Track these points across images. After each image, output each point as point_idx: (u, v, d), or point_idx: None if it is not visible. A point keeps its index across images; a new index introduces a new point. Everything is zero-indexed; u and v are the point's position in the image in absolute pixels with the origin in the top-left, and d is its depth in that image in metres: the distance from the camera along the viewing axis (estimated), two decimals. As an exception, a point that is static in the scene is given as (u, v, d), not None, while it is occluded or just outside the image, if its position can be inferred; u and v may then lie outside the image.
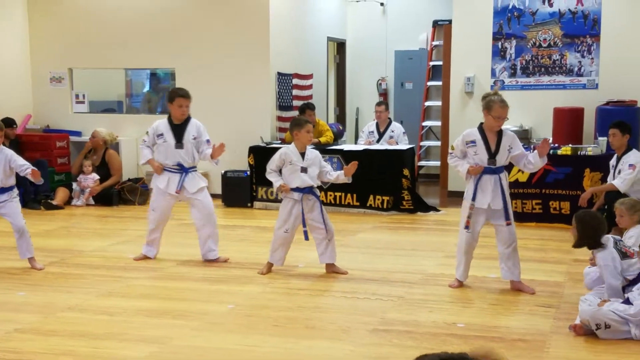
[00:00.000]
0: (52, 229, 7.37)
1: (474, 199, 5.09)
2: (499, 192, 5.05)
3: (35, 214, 8.27)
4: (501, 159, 5.07)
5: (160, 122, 5.95)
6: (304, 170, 5.45)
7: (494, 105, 4.99)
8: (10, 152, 5.63)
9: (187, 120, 5.93)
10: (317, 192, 5.55)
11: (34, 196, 8.72)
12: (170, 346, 3.89)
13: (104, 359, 3.68)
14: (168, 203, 5.92)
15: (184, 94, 5.91)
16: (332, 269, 5.52)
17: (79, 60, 9.82)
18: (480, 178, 5.06)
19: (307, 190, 5.46)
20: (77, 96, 9.99)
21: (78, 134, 9.77)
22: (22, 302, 4.72)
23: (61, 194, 8.82)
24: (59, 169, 9.29)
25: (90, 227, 7.71)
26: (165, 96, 6.00)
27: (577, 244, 4.62)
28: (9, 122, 9.01)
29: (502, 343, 4.01)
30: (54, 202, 8.61)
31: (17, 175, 8.60)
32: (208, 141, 5.99)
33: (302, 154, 5.49)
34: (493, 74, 9.16)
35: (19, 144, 9.16)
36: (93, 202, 8.80)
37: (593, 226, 4.52)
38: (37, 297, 4.82)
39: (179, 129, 5.88)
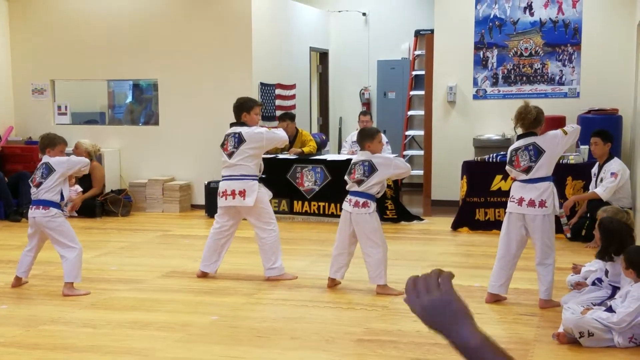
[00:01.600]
0: (34, 241, 7.30)
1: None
2: None
3: (16, 226, 8.20)
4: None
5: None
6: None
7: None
8: None
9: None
10: None
11: (15, 208, 8.65)
12: (153, 358, 3.87)
13: (86, 373, 3.65)
14: None
15: (260, 103, 6.06)
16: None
17: (61, 71, 9.78)
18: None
19: None
20: (59, 107, 9.93)
21: (60, 145, 9.69)
22: (5, 315, 4.68)
23: None
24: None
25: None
26: (236, 107, 5.71)
27: (602, 252, 4.49)
28: (-10, 134, 8.96)
29: (486, 351, 4.03)
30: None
31: (-1, 188, 8.57)
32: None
33: None
34: (475, 83, 9.24)
35: (2, 157, 9.09)
36: (76, 214, 8.74)
37: (620, 232, 4.45)
38: (20, 310, 4.78)
39: None
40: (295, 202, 8.52)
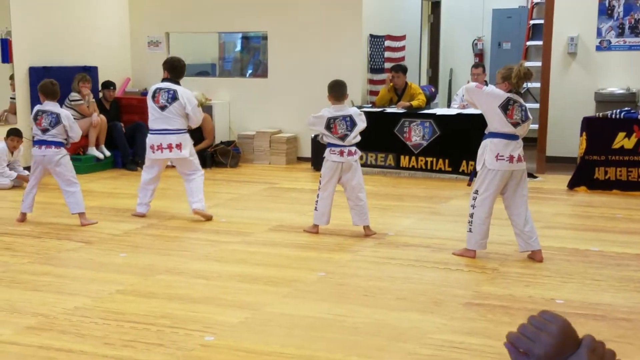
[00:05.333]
0: (150, 190, 7.59)
1: None
2: None
3: (133, 175, 8.56)
4: None
5: None
6: None
7: None
8: (70, 117, 5.96)
9: None
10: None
11: (132, 157, 9.02)
12: (262, 313, 3.95)
13: (201, 323, 3.77)
14: None
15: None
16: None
17: (175, 24, 10.00)
18: None
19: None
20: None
21: (174, 96, 9.97)
22: (124, 264, 4.90)
23: None
24: (156, 132, 9.53)
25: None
26: (180, 68, 6.25)
27: None
28: (108, 84, 9.32)
29: (604, 322, 3.84)
30: None
31: (116, 137, 8.95)
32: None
33: None
34: (599, 33, 8.65)
35: (119, 107, 9.47)
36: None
37: None
38: (138, 259, 5.00)
39: None
40: (402, 157, 8.39)
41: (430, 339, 3.59)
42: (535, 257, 4.96)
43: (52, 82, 5.93)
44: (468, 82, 9.02)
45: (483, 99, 4.92)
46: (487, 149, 4.86)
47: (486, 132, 4.97)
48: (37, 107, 5.93)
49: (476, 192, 4.91)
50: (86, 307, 4.01)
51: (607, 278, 4.62)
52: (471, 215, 4.94)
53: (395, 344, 3.53)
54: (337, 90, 5.60)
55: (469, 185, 5.15)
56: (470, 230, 4.96)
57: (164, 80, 6.23)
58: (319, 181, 5.65)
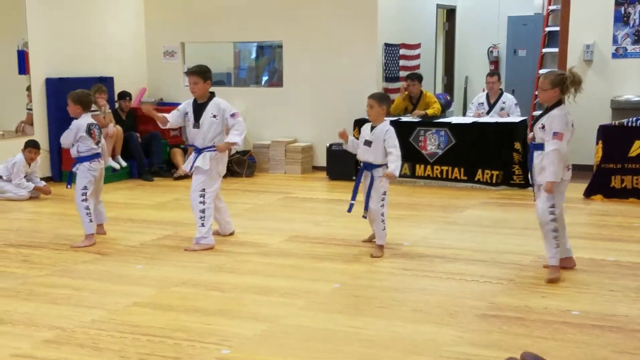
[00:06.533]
0: (164, 201, 7.66)
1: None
2: (531, 169, 4.91)
3: (149, 185, 8.63)
4: (536, 137, 4.81)
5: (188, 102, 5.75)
6: (367, 143, 5.34)
7: None
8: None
9: (209, 99, 5.65)
10: (379, 171, 5.32)
11: (147, 168, 9.08)
12: (278, 325, 3.96)
13: (217, 336, 3.79)
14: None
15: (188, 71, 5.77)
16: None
17: (190, 34, 10.08)
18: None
19: (367, 167, 5.37)
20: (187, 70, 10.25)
21: (189, 106, 10.04)
22: (140, 276, 4.93)
23: (180, 158, 9.11)
24: (171, 142, 9.61)
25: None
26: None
27: None
28: (124, 95, 9.40)
29: (621, 334, 3.81)
30: (178, 173, 8.80)
31: (132, 147, 9.03)
32: (233, 115, 5.60)
33: (372, 127, 5.41)
34: (615, 40, 8.61)
35: (135, 117, 9.55)
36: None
37: None
38: (154, 271, 5.03)
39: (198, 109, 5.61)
40: (417, 165, 8.39)
41: (446, 351, 3.59)
42: (568, 264, 4.95)
43: (89, 93, 5.83)
44: (483, 90, 9.02)
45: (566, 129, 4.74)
46: (558, 160, 4.65)
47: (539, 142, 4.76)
48: (87, 122, 5.70)
49: (552, 205, 4.71)
50: (103, 320, 4.04)
51: (623, 289, 4.59)
52: (555, 230, 4.73)
53: (411, 357, 3.53)
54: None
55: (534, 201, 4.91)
56: (557, 246, 4.76)
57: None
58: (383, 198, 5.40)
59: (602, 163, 7.43)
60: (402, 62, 9.62)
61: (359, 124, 8.75)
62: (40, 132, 8.59)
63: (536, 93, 10.57)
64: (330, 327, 3.94)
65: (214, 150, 5.57)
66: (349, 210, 5.45)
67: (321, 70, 9.31)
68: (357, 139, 5.58)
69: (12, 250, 5.62)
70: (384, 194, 5.35)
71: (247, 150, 9.49)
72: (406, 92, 8.79)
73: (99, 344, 3.70)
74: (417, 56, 9.96)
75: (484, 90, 8.96)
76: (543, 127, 4.72)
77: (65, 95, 5.83)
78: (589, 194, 7.46)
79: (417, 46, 9.94)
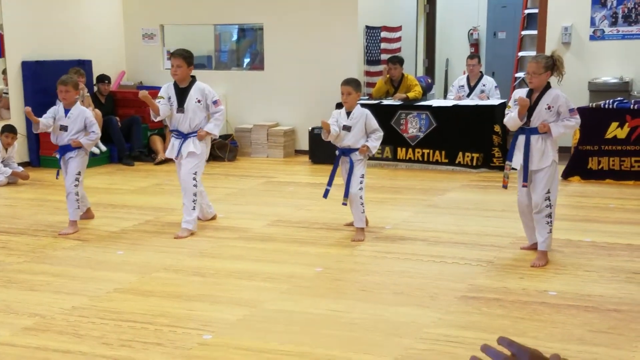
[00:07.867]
0: (145, 186, 7.63)
1: (510, 158, 4.83)
2: (529, 154, 4.70)
3: (129, 170, 8.58)
4: (535, 121, 4.69)
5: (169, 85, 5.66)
6: (346, 128, 5.34)
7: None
8: (89, 113, 5.75)
9: (191, 83, 5.58)
10: (358, 155, 5.33)
11: (128, 152, 9.02)
12: (260, 309, 3.98)
13: (198, 322, 3.80)
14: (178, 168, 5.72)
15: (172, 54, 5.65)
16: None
17: (169, 16, 9.98)
18: (516, 137, 4.79)
19: (345, 152, 5.36)
20: (168, 52, 10.17)
21: (169, 90, 9.97)
22: (121, 262, 4.92)
23: (159, 144, 9.05)
24: (152, 126, 9.54)
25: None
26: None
27: None
28: (102, 78, 9.30)
29: (596, 313, 3.88)
30: (159, 158, 8.76)
31: (111, 131, 8.95)
32: (215, 102, 5.56)
33: (348, 113, 5.40)
34: (592, 22, 8.66)
35: (114, 101, 9.46)
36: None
37: None
38: (135, 256, 5.02)
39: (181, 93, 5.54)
40: (399, 149, 8.42)
41: (427, 333, 3.63)
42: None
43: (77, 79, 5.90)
44: (464, 72, 9.04)
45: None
46: (551, 145, 4.68)
47: (532, 126, 4.70)
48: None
49: (548, 191, 4.71)
50: (83, 306, 4.03)
51: (598, 269, 4.66)
52: (550, 215, 4.74)
53: (392, 339, 3.57)
54: None
55: (524, 186, 4.80)
56: (550, 232, 4.76)
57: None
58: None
59: (579, 145, 7.50)
60: (383, 45, 9.61)
61: (340, 107, 8.76)
62: (16, 117, 8.49)
63: (516, 75, 10.64)
64: (312, 310, 3.96)
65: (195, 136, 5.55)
66: (325, 195, 5.47)
67: (302, 53, 9.27)
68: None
69: (-9, 237, 5.58)
70: (362, 176, 5.37)
71: (229, 134, 9.45)
72: (387, 75, 8.79)
73: (79, 330, 3.69)
74: (399, 39, 9.95)
75: (464, 73, 8.98)
76: (549, 107, 4.69)
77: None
78: (566, 175, 7.54)
79: (398, 29, 9.93)
